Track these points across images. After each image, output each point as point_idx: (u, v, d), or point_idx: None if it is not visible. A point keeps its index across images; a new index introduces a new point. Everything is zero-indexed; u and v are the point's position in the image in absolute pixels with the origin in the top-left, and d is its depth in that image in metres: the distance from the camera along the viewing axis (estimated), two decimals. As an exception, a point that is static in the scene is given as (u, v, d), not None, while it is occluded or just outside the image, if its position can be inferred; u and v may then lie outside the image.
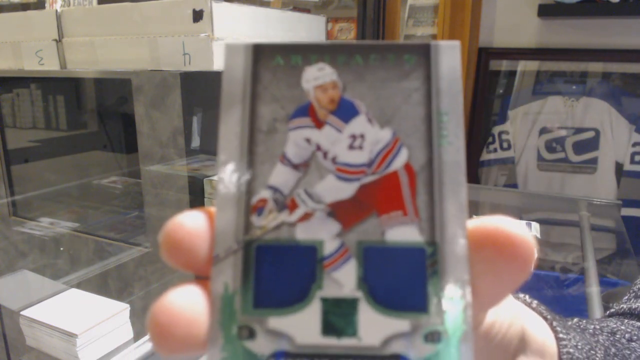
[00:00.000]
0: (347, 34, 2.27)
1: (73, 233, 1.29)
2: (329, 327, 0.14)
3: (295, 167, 0.16)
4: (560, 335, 0.24)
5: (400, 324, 0.14)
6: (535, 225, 1.09)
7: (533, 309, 0.24)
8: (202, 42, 0.98)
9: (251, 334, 0.14)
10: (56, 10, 1.18)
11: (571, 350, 0.24)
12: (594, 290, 0.80)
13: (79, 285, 0.95)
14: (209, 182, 1.05)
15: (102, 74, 1.15)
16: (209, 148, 1.10)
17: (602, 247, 1.09)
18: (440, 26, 1.89)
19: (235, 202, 0.15)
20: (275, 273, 0.15)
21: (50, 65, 1.20)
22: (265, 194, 0.15)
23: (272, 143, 0.16)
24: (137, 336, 0.75)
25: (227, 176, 0.15)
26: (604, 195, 1.83)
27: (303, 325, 0.14)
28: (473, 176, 2.06)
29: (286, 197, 0.15)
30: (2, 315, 0.93)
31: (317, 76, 0.16)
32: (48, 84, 1.47)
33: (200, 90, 1.06)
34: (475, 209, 1.33)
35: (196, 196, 1.05)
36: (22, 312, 0.76)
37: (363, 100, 0.16)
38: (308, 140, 0.16)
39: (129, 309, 0.78)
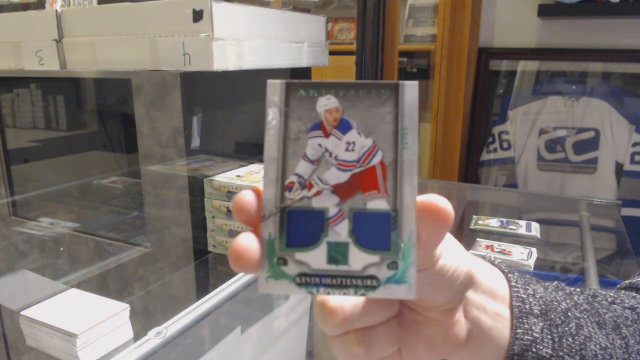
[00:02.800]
0: (347, 34, 2.26)
1: (73, 233, 1.29)
2: (331, 259, 0.23)
3: (312, 162, 0.23)
4: (512, 284, 0.30)
5: (373, 257, 0.23)
6: (535, 225, 1.09)
7: (496, 265, 0.32)
8: (202, 42, 0.98)
9: (285, 262, 0.23)
10: (56, 10, 1.18)
11: (523, 295, 0.30)
12: (594, 290, 0.80)
13: (79, 285, 0.95)
14: (209, 182, 1.04)
15: (102, 74, 1.15)
16: (209, 148, 1.10)
17: (602, 247, 1.09)
18: (440, 26, 1.89)
19: (274, 183, 0.23)
20: (299, 226, 0.23)
21: (50, 65, 1.20)
22: (293, 178, 0.23)
23: (297, 147, 0.23)
24: (137, 336, 0.75)
25: (270, 167, 0.23)
26: (604, 195, 1.82)
27: (315, 257, 0.23)
28: (473, 176, 2.06)
29: (306, 181, 0.23)
30: (2, 315, 0.93)
31: (326, 104, 0.23)
32: (48, 84, 1.47)
33: (200, 90, 1.06)
34: (475, 208, 1.33)
35: (196, 196, 1.04)
36: (22, 312, 0.76)
37: (355, 119, 0.23)
38: (320, 145, 0.23)
39: (129, 309, 0.78)
